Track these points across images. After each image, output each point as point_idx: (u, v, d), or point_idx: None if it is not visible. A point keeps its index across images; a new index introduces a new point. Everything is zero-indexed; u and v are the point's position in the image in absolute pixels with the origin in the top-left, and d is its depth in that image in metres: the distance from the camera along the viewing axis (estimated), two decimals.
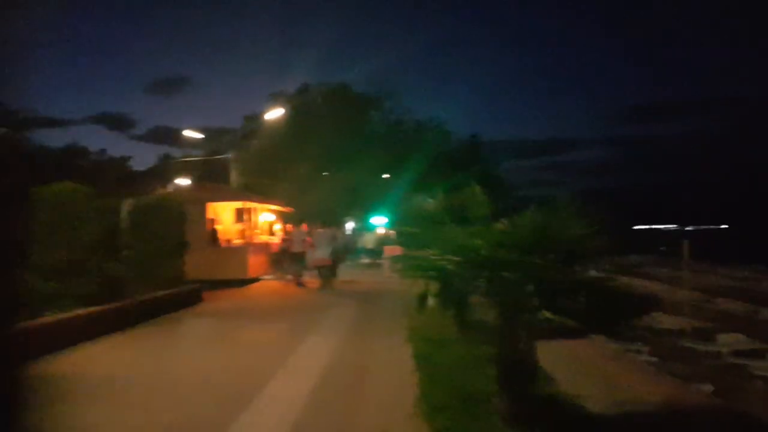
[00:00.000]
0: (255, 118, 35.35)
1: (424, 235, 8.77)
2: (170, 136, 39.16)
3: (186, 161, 49.35)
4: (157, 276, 12.83)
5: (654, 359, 10.95)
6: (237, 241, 19.49)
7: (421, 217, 9.53)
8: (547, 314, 4.64)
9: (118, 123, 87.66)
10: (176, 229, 13.60)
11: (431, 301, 5.55)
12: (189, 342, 9.52)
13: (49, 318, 8.37)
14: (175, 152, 55.90)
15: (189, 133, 26.45)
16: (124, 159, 56.15)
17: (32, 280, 8.93)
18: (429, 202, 9.40)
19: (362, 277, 21.37)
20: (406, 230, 10.07)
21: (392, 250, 20.54)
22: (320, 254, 16.76)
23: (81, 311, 9.12)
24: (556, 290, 4.65)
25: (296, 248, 17.72)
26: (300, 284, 17.14)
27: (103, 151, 49.35)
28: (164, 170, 47.19)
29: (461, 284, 5.46)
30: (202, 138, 27.22)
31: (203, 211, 18.27)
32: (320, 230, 17.62)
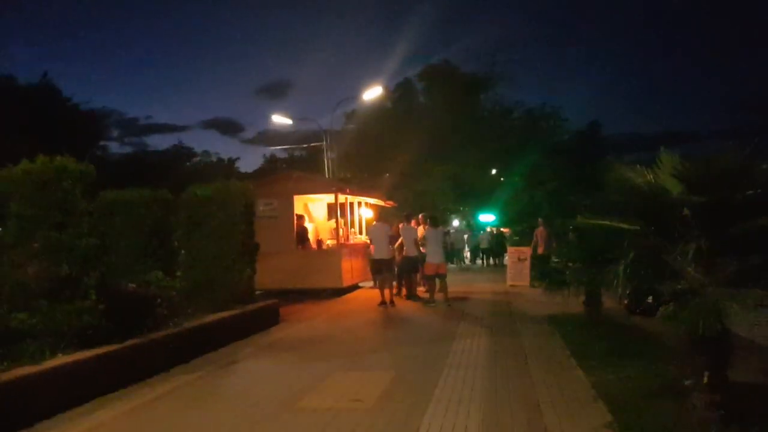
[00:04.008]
0: (353, 114, 31.77)
1: None
2: (277, 138, 36.48)
3: (285, 159, 46.93)
4: (217, 291, 9.08)
5: None
6: (330, 242, 15.61)
7: (638, 201, 4.97)
8: None
9: (229, 127, 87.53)
10: (243, 227, 9.78)
11: None
12: (229, 417, 5.44)
13: None
14: (281, 154, 54.02)
15: (278, 119, 23.16)
16: (232, 160, 54.70)
17: None
18: (648, 173, 4.79)
19: (477, 284, 16.86)
20: (598, 224, 5.46)
21: (518, 253, 15.87)
22: (434, 259, 12.34)
23: (56, 361, 5.33)
24: None
25: (379, 254, 12.65)
26: (383, 303, 12.30)
27: (206, 152, 47.66)
28: (270, 170, 44.98)
29: None
30: (291, 124, 23.80)
31: (290, 205, 14.52)
32: (431, 229, 13.12)
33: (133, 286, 7.38)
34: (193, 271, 9.28)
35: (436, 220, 13.44)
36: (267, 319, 9.85)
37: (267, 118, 24.69)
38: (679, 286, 4.17)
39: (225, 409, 5.54)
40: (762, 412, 4.71)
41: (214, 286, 9.20)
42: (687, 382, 4.49)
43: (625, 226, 4.61)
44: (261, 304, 9.95)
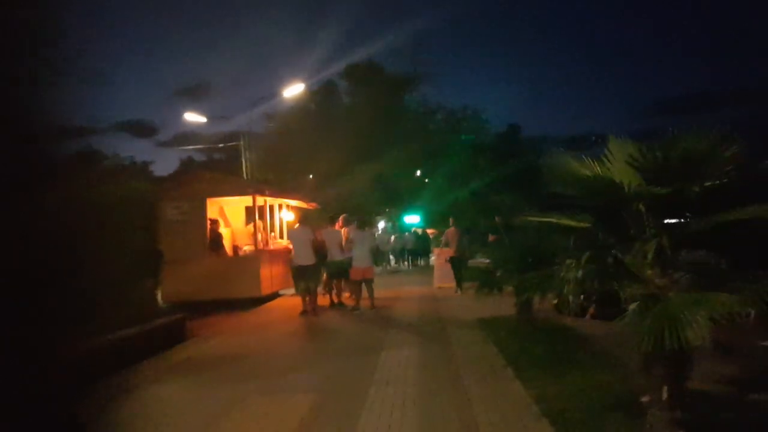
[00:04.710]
0: (275, 115, 30.56)
1: None
2: (194, 140, 34.58)
3: (203, 162, 44.87)
4: (111, 307, 7.90)
5: None
6: (247, 248, 14.54)
7: (584, 196, 4.35)
8: None
9: (143, 130, 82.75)
10: (143, 234, 8.66)
11: None
12: None
13: None
14: (199, 156, 51.70)
15: (191, 117, 21.71)
16: (146, 164, 51.80)
17: None
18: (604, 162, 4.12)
19: (404, 288, 16.28)
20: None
21: (444, 254, 15.37)
22: (361, 263, 11.57)
23: None
24: None
25: (301, 259, 11.55)
26: (305, 312, 11.44)
27: (117, 155, 44.79)
28: (186, 174, 42.80)
29: None
30: (205, 122, 22.45)
31: (202, 209, 13.34)
32: (355, 231, 12.36)
33: None
34: (77, 287, 8.07)
35: (363, 222, 12.70)
36: (172, 337, 8.75)
37: (185, 120, 23.30)
38: (638, 291, 3.60)
39: None
40: (723, 427, 4.26)
41: (107, 301, 8.02)
42: (644, 399, 3.94)
43: (572, 223, 4.02)
44: (165, 319, 8.84)
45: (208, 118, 21.74)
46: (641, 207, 3.87)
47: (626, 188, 3.82)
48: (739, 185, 3.60)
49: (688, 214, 3.74)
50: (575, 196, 4.26)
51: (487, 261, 10.56)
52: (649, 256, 3.58)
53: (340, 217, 13.20)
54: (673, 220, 3.98)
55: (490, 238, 13.61)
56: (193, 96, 74.44)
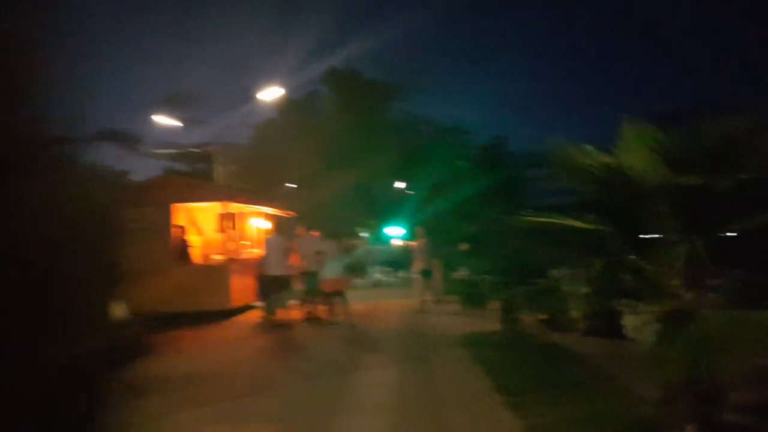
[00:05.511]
0: (253, 124, 29.69)
1: None
2: (173, 149, 33.51)
3: (186, 172, 43.69)
4: (36, 327, 7.01)
5: None
6: (217, 257, 13.63)
7: (593, 192, 3.56)
8: None
9: (125, 139, 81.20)
10: (101, 242, 7.77)
11: None
12: None
13: None
14: (180, 167, 50.55)
15: (160, 120, 20.72)
16: (124, 173, 50.53)
17: None
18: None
19: (385, 300, 15.46)
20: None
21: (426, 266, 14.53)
22: (333, 273, 10.81)
23: None
24: None
25: (274, 269, 10.98)
26: (278, 326, 10.81)
27: (91, 164, 43.65)
28: (153, 179, 41.63)
29: None
30: (179, 127, 21.46)
31: (167, 216, 12.44)
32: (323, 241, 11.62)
33: None
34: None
35: (332, 232, 11.99)
36: (128, 352, 7.79)
37: (169, 129, 22.38)
38: (664, 308, 2.87)
39: None
40: None
41: (28, 321, 7.15)
42: None
43: (579, 225, 3.29)
44: (118, 335, 7.91)
45: (183, 122, 20.74)
46: (664, 205, 3.15)
47: (651, 178, 3.10)
48: None
49: (716, 216, 3.03)
50: (582, 192, 3.55)
51: (468, 272, 9.85)
52: (678, 265, 2.87)
53: (304, 226, 12.53)
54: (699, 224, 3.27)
55: (462, 246, 12.81)
56: (178, 105, 73.14)
